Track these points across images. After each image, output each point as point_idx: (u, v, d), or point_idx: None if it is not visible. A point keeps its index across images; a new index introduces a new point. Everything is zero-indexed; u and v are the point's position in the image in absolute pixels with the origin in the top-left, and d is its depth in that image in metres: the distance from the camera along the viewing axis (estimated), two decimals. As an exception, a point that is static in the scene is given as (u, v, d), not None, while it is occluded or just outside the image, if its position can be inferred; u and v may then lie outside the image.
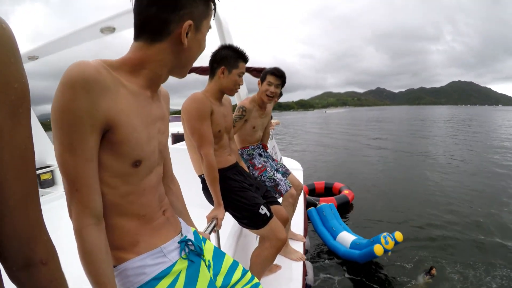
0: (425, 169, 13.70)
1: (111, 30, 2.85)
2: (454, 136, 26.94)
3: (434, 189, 10.53)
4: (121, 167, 0.87)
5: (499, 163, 14.17)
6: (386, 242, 5.38)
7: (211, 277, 1.11)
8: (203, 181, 2.12)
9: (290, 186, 2.78)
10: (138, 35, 0.91)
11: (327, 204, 7.09)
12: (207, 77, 2.06)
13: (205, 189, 2.14)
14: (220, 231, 1.92)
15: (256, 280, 1.34)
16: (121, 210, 0.91)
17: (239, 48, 1.99)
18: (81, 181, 0.78)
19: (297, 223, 3.80)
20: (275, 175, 2.73)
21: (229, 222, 2.27)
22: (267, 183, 2.69)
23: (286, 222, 2.35)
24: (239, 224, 2.21)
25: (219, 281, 1.21)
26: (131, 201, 0.92)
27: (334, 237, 6.44)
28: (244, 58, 2.03)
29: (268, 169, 2.75)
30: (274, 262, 2.65)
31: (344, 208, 8.48)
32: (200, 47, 0.98)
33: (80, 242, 0.80)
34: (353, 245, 5.98)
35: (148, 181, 0.96)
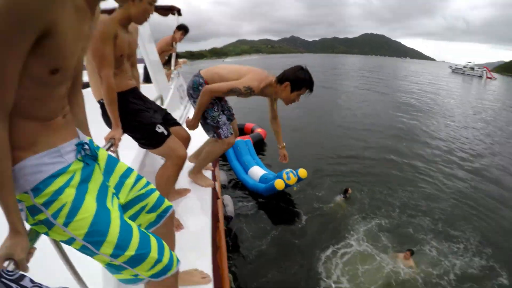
0: (335, 108, 14.99)
1: None
2: (364, 82, 29.56)
3: (344, 126, 11.76)
4: (39, 71, 0.86)
5: (405, 110, 16.14)
6: (288, 178, 5.83)
7: (104, 179, 1.16)
8: (102, 106, 2.11)
9: (231, 133, 2.75)
10: None
11: (243, 139, 7.36)
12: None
13: (104, 114, 2.12)
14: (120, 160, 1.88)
15: (152, 186, 1.37)
16: (24, 112, 0.90)
17: None
18: (4, 77, 0.78)
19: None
20: (220, 116, 2.69)
21: (129, 156, 2.25)
22: (208, 121, 2.66)
23: (187, 141, 2.51)
24: (139, 145, 2.26)
25: (113, 181, 1.25)
26: (36, 106, 0.92)
27: (246, 171, 6.79)
28: None
29: (215, 108, 2.68)
30: (184, 187, 2.79)
31: (259, 146, 8.89)
32: None
33: None
34: (262, 179, 6.39)
35: (58, 91, 0.97)
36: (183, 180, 2.86)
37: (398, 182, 7.31)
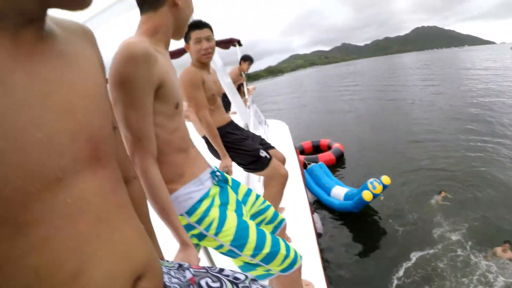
0: (406, 114, 14.00)
1: None
2: (426, 80, 27.62)
3: (419, 133, 10.77)
4: (168, 110, 1.12)
5: (475, 102, 14.47)
6: (374, 187, 5.61)
7: (236, 197, 1.40)
8: (207, 141, 2.35)
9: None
10: (142, 8, 1.14)
11: (317, 164, 7.25)
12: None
13: (210, 147, 2.37)
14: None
15: (268, 203, 1.59)
16: (171, 146, 1.17)
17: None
18: (143, 132, 1.03)
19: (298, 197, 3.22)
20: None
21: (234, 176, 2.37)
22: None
23: (283, 162, 2.62)
24: (245, 170, 2.46)
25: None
26: (178, 136, 1.19)
27: (328, 193, 6.62)
28: (192, 27, 2.06)
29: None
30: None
31: (340, 160, 8.75)
32: (190, 8, 1.20)
33: (145, 178, 1.03)
34: (346, 197, 6.20)
35: (182, 118, 1.23)
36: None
37: (487, 183, 6.53)
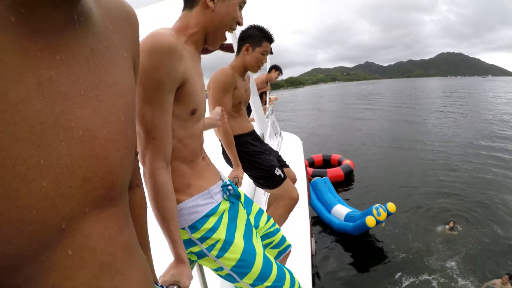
0: (421, 139, 13.90)
1: None
2: (446, 107, 27.29)
3: (432, 158, 10.71)
4: (182, 114, 1.04)
5: (495, 133, 14.46)
6: (378, 214, 5.54)
7: (247, 216, 1.31)
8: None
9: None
10: (184, 5, 1.11)
11: (321, 178, 7.21)
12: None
13: (224, 153, 2.27)
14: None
15: (277, 226, 1.53)
16: (176, 154, 1.06)
17: (265, 28, 2.09)
18: (157, 130, 0.94)
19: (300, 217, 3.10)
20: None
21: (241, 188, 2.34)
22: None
23: (294, 183, 2.55)
24: (255, 184, 2.38)
25: (251, 220, 1.39)
26: (186, 146, 1.10)
27: (329, 211, 6.56)
28: (269, 38, 2.08)
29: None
30: None
31: (349, 177, 8.78)
32: (229, 14, 1.10)
33: (152, 182, 0.95)
34: (347, 217, 6.14)
35: (197, 128, 1.14)
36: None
37: (499, 216, 6.56)
